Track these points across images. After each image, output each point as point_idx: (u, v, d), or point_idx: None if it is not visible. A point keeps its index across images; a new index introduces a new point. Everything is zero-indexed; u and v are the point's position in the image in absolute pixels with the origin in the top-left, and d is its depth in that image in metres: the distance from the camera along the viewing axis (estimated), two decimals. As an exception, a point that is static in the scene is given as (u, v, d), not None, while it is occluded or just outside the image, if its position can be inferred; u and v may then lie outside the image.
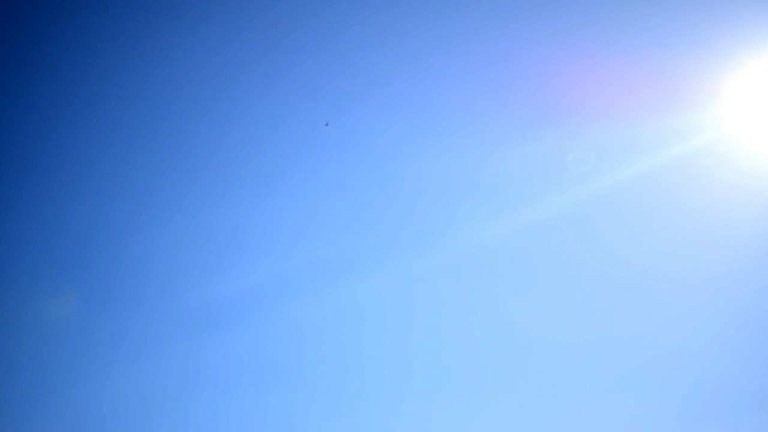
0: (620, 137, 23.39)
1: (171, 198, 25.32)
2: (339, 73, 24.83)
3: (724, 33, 22.81)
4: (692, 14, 23.23)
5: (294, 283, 24.57)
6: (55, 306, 24.37)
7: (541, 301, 23.46)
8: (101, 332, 24.06)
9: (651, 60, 23.60)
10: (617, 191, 23.50)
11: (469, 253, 24.20)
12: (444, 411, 22.50)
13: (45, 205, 25.05)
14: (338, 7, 24.69)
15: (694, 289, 22.91)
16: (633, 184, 23.33)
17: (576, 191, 23.66)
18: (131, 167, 25.23)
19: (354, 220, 25.05)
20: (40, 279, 24.66)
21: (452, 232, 24.46)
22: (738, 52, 22.69)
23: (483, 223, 24.22)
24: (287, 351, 24.14)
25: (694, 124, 22.76)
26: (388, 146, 25.13)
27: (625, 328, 22.93)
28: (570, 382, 22.65)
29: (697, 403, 22.06)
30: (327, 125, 23.96)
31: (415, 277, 24.11)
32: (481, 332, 23.68)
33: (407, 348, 23.73)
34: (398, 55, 24.94)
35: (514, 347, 23.27)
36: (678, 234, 23.21)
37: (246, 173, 25.53)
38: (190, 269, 24.95)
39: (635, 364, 22.61)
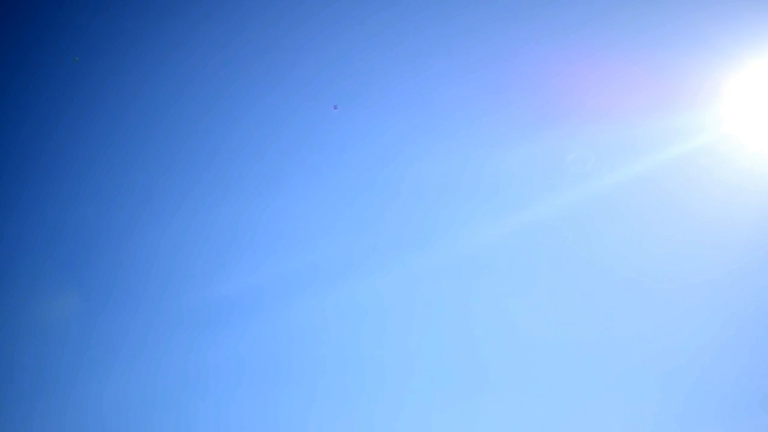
0: (620, 137, 23.40)
1: (171, 198, 25.34)
2: (339, 73, 24.85)
3: (724, 33, 22.82)
4: (692, 14, 23.25)
5: (294, 283, 24.60)
6: (55, 306, 24.38)
7: (541, 301, 23.48)
8: (101, 332, 24.08)
9: (651, 60, 23.61)
10: (617, 191, 23.52)
11: (469, 253, 24.21)
12: (444, 411, 22.51)
13: (45, 205, 25.07)
14: (338, 7, 24.71)
15: (694, 289, 22.94)
16: (633, 184, 23.35)
17: (576, 191, 23.67)
18: (131, 167, 25.25)
19: (354, 220, 25.07)
20: (40, 279, 24.68)
21: (452, 232, 24.48)
22: (738, 52, 22.69)
23: (483, 223, 24.24)
24: (287, 351, 24.16)
25: (694, 124, 22.76)
26: (389, 146, 25.16)
27: (625, 328, 22.94)
28: (570, 382, 22.66)
29: (697, 403, 22.08)
30: (336, 108, 23.91)
31: (415, 277, 24.13)
32: (481, 332, 23.69)
33: (407, 348, 23.74)
34: (398, 55, 24.97)
35: (514, 347, 23.28)
36: (678, 234, 23.22)
37: (246, 173, 25.56)
38: (190, 269, 24.98)
39: (635, 364, 22.62)
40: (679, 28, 23.30)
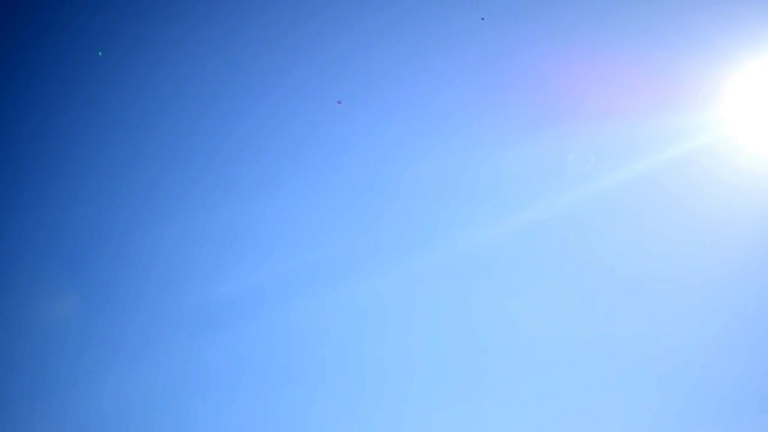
0: (620, 137, 23.40)
1: (171, 198, 25.34)
2: (339, 73, 24.84)
3: (724, 33, 22.83)
4: (692, 14, 23.26)
5: (294, 283, 24.60)
6: (55, 306, 24.37)
7: (541, 301, 23.48)
8: (101, 332, 24.08)
9: (651, 60, 23.61)
10: (617, 191, 23.53)
11: (469, 253, 24.21)
12: (445, 411, 22.51)
13: (45, 205, 25.07)
14: (338, 7, 24.71)
15: (694, 289, 22.94)
16: (633, 184, 23.36)
17: (576, 191, 23.67)
18: (131, 167, 25.25)
19: (354, 221, 25.07)
20: (40, 279, 24.68)
21: (452, 233, 24.48)
22: (738, 52, 22.70)
23: (483, 223, 24.24)
24: (287, 351, 24.16)
25: (694, 124, 22.77)
26: (389, 146, 25.16)
27: (625, 328, 22.94)
28: (570, 382, 22.66)
29: (697, 403, 22.09)
30: (340, 103, 23.88)
31: (415, 277, 24.13)
32: (481, 332, 23.70)
33: (407, 348, 23.74)
34: (398, 55, 24.97)
35: (514, 347, 23.28)
36: (678, 234, 23.23)
37: (246, 173, 25.55)
38: (190, 269, 24.98)
39: (635, 364, 22.63)
40: (679, 28, 23.33)
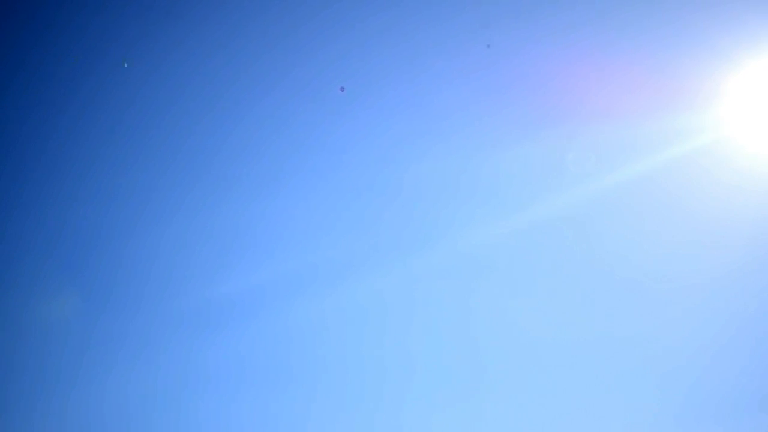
0: (620, 137, 23.40)
1: (171, 198, 25.32)
2: (339, 73, 24.82)
3: (724, 33, 22.82)
4: (692, 14, 23.24)
5: (294, 283, 24.60)
6: (55, 306, 24.37)
7: (541, 302, 23.49)
8: (101, 332, 24.08)
9: (651, 60, 23.60)
10: (617, 191, 23.52)
11: (469, 253, 24.22)
12: (445, 411, 22.54)
13: (45, 205, 25.05)
14: (338, 7, 24.69)
15: (694, 289, 22.95)
16: (633, 184, 23.35)
17: (576, 191, 23.67)
18: (131, 167, 25.23)
19: (354, 221, 25.07)
20: (40, 279, 24.67)
21: (452, 233, 24.48)
22: (738, 53, 22.69)
23: (483, 223, 24.24)
24: (288, 351, 24.18)
25: (695, 124, 22.76)
26: (388, 146, 25.15)
27: (625, 328, 22.95)
28: (570, 382, 22.69)
29: (697, 403, 22.11)
30: (342, 90, 23.83)
31: (416, 277, 24.14)
32: (481, 332, 23.71)
33: (408, 348, 23.75)
34: (397, 55, 24.95)
35: (514, 347, 23.30)
36: (678, 234, 23.24)
37: (246, 173, 25.53)
38: (190, 269, 24.97)
39: (635, 364, 22.64)
40: (679, 28, 23.31)
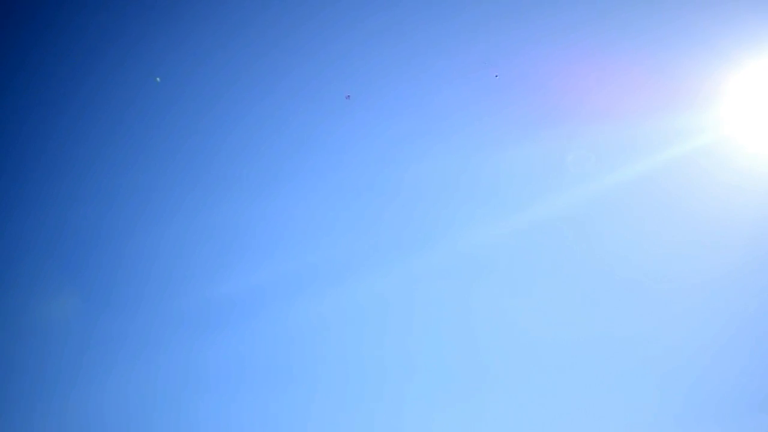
0: (620, 137, 23.41)
1: (171, 198, 25.35)
2: (339, 74, 24.85)
3: (724, 33, 22.84)
4: (692, 14, 23.27)
5: (294, 283, 24.62)
6: (55, 306, 24.38)
7: (541, 301, 23.49)
8: (101, 332, 24.09)
9: (651, 60, 23.62)
10: (617, 191, 23.54)
11: (469, 253, 24.23)
12: (445, 410, 22.53)
13: (45, 205, 25.07)
14: (338, 7, 24.71)
15: (694, 289, 22.96)
16: (633, 184, 23.36)
17: (576, 191, 23.68)
18: (131, 167, 25.26)
19: (354, 221, 25.08)
20: (40, 279, 24.69)
21: (452, 232, 24.50)
22: (738, 53, 22.71)
23: (483, 223, 24.25)
24: (287, 351, 24.19)
25: (694, 124, 22.78)
26: (389, 146, 25.17)
27: (625, 328, 22.95)
28: (570, 382, 22.68)
29: (697, 403, 22.10)
30: (348, 97, 23.87)
31: (416, 277, 24.15)
32: (481, 332, 23.71)
33: (407, 348, 23.76)
34: (398, 55, 24.98)
35: (514, 347, 23.30)
36: (678, 234, 23.24)
37: (246, 173, 25.56)
38: (190, 269, 24.99)
39: (635, 364, 22.64)
40: (679, 28, 23.33)
